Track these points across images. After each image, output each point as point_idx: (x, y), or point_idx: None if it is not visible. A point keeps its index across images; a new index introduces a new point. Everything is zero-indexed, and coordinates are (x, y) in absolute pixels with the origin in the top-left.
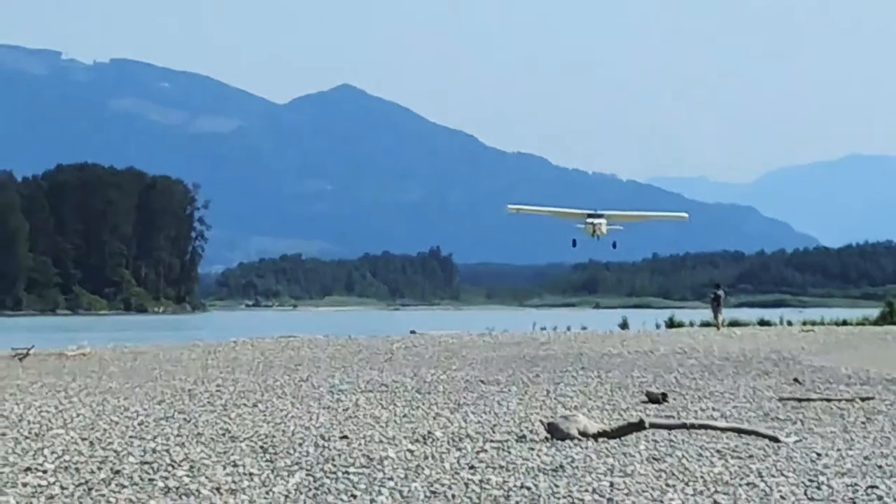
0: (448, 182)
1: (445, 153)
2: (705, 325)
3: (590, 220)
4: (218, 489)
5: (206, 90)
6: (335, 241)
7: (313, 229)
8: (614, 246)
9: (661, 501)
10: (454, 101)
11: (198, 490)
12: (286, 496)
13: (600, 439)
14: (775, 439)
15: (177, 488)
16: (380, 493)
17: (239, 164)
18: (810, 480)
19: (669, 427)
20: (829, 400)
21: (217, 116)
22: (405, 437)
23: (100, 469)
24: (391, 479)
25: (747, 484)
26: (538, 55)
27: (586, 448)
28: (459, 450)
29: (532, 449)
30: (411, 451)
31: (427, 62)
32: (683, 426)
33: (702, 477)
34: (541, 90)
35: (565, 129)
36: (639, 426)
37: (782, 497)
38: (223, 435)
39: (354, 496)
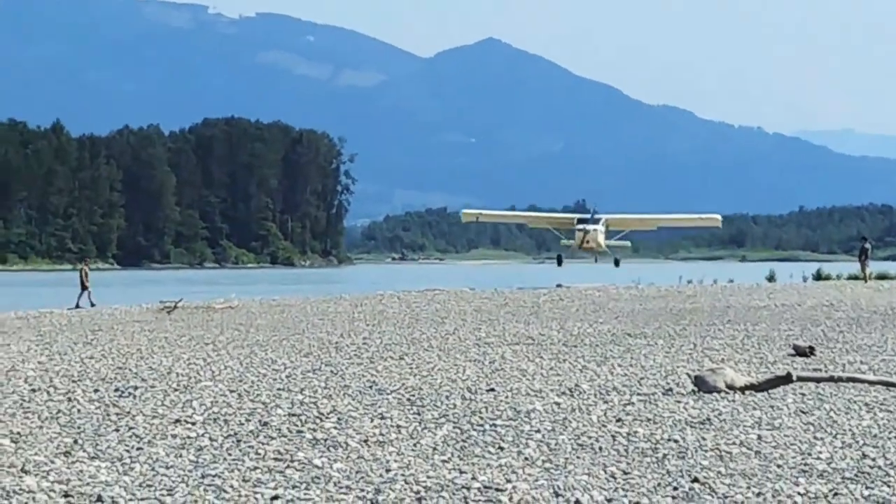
0: (592, 135)
1: (589, 106)
2: (853, 278)
3: (581, 226)
4: (366, 441)
5: (352, 44)
6: (480, 194)
7: (458, 183)
8: (616, 264)
9: (809, 454)
10: (599, 54)
11: (346, 442)
12: (433, 448)
13: (747, 392)
14: None
15: (325, 440)
16: (527, 445)
17: (384, 118)
18: None
19: (817, 380)
20: None
21: (362, 70)
22: (552, 390)
23: (248, 421)
24: (538, 431)
25: None
26: (684, 5)
27: (733, 401)
28: (606, 402)
29: (679, 402)
30: (558, 404)
31: (572, 14)
32: (831, 379)
33: (850, 430)
34: (686, 42)
35: (711, 81)
36: (786, 379)
37: None
38: (370, 387)
39: (502, 448)
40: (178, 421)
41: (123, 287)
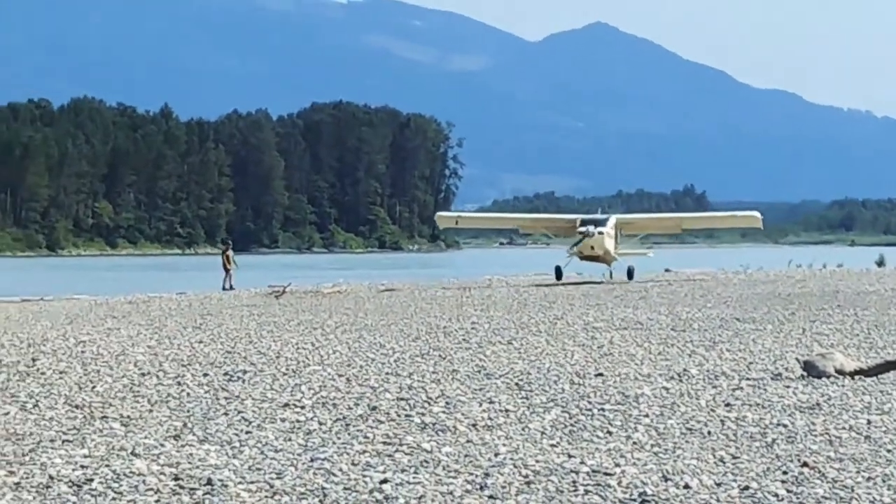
0: (699, 119)
1: (697, 90)
2: None
3: (583, 229)
4: (474, 425)
5: (458, 27)
6: (588, 177)
7: (566, 166)
8: (630, 275)
9: None
10: (706, 38)
11: (454, 426)
12: (542, 432)
13: (857, 377)
14: None
15: (433, 424)
16: (635, 429)
17: (491, 102)
18: None
19: None
20: None
21: (469, 54)
22: (660, 375)
23: (357, 405)
24: (647, 415)
25: None
26: None
27: (843, 386)
28: (715, 387)
29: (788, 387)
30: (667, 389)
31: None
32: None
33: None
34: (794, 25)
35: (820, 65)
36: None
37: None
38: (478, 372)
39: (610, 433)
40: (286, 405)
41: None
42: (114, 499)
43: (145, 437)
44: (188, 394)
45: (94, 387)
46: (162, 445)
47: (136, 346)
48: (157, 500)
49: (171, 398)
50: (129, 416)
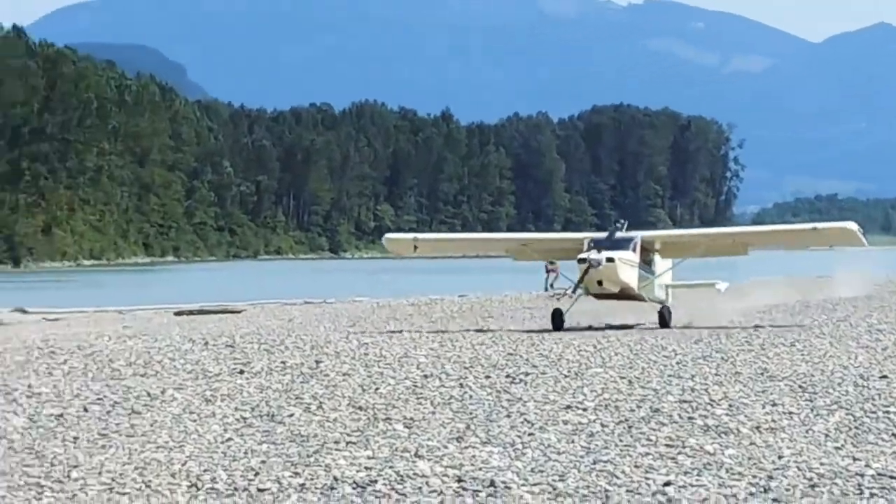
0: None
1: None
2: None
3: (584, 256)
4: (757, 428)
5: (740, 29)
6: (872, 180)
7: (849, 168)
8: (663, 321)
9: None
10: None
11: (737, 428)
12: (826, 435)
13: None
14: None
15: (716, 426)
16: None
17: (772, 103)
18: None
19: None
20: None
21: (750, 55)
22: None
23: (639, 407)
24: None
25: None
26: None
27: None
28: None
29: None
30: None
31: None
32: None
33: None
34: None
35: None
36: None
37: None
38: (761, 374)
39: (895, 435)
40: (569, 407)
41: (513, 273)
42: (397, 500)
43: (428, 439)
44: (470, 396)
45: (377, 389)
46: (445, 447)
47: (418, 349)
48: (440, 502)
49: (454, 400)
50: (412, 418)
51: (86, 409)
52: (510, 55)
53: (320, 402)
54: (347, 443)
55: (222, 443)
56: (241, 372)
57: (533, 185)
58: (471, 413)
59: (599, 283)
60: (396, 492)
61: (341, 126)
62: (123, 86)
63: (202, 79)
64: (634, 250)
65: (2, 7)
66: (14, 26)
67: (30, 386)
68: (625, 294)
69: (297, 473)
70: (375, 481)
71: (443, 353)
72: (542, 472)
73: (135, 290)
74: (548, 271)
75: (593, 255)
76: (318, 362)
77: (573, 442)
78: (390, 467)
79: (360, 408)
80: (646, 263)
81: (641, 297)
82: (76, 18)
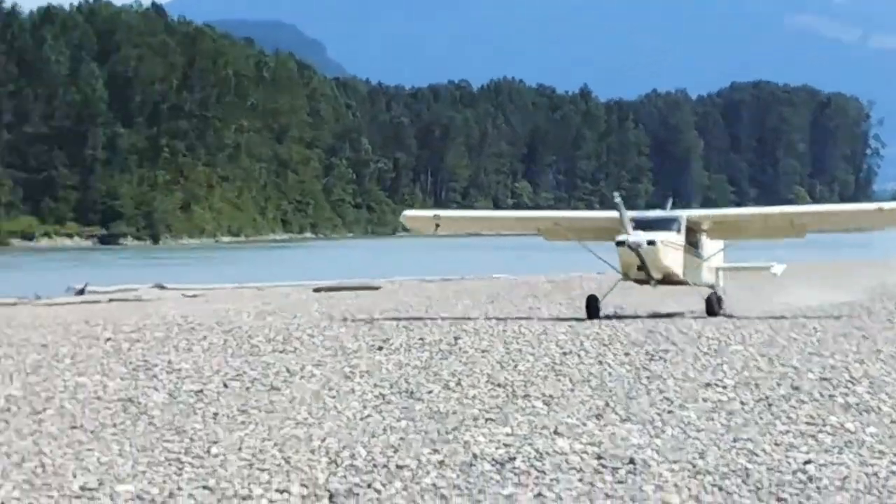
0: None
1: None
2: None
3: (623, 238)
4: None
5: (883, 5)
6: None
7: None
8: (712, 308)
9: None
10: None
11: (878, 406)
12: None
13: None
14: None
15: (857, 405)
16: None
17: None
18: None
19: None
20: None
21: (893, 32)
22: None
23: (779, 385)
24: None
25: None
26: None
27: None
28: None
29: None
30: None
31: None
32: None
33: None
34: None
35: None
36: None
37: None
38: None
39: None
40: (708, 384)
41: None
42: (536, 477)
43: (567, 416)
44: (610, 373)
45: (516, 365)
46: (584, 424)
47: (556, 326)
48: (580, 479)
49: (593, 377)
50: (550, 395)
51: (225, 385)
52: (657, 28)
53: (459, 379)
54: (486, 420)
55: (361, 419)
56: (380, 348)
57: (671, 162)
58: (610, 390)
59: (640, 267)
60: (535, 469)
61: (479, 103)
62: (262, 63)
63: (341, 56)
64: (679, 231)
65: None
66: (153, 3)
67: (170, 362)
68: (668, 280)
69: (435, 450)
70: (514, 458)
71: (581, 330)
72: (681, 449)
73: (273, 266)
74: None
75: (633, 237)
76: (456, 339)
77: (713, 420)
78: (529, 444)
79: (499, 385)
80: (692, 245)
81: (686, 282)
82: None
